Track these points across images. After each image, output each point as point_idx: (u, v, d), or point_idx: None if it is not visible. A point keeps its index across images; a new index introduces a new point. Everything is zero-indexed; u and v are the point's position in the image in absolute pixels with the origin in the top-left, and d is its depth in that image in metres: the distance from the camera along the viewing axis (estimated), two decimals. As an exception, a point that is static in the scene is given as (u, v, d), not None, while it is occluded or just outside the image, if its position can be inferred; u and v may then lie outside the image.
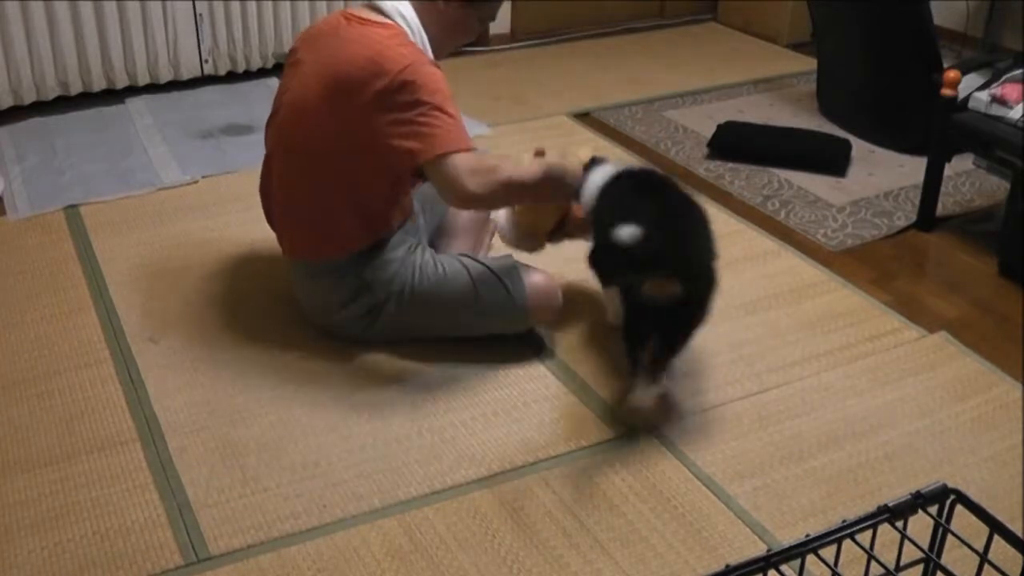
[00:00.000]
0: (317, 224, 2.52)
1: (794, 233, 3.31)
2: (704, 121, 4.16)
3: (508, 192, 2.42)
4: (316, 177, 2.48)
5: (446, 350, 2.62)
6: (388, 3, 2.46)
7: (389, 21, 2.44)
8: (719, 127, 3.95)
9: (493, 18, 2.61)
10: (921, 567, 1.34)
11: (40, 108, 4.09)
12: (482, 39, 5.00)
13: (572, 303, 2.79)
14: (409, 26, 2.44)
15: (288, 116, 2.52)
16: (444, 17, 2.49)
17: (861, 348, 2.70)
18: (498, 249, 2.87)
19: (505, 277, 2.56)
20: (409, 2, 2.48)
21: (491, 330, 2.62)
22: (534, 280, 2.59)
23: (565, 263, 2.95)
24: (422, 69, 2.34)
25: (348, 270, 2.52)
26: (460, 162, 2.35)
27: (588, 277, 2.88)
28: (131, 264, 3.04)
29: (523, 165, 2.46)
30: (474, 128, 4.01)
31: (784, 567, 1.18)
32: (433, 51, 2.50)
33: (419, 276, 2.55)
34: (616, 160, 2.57)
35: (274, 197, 2.63)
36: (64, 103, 4.14)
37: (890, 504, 1.24)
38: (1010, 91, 3.13)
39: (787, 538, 2.02)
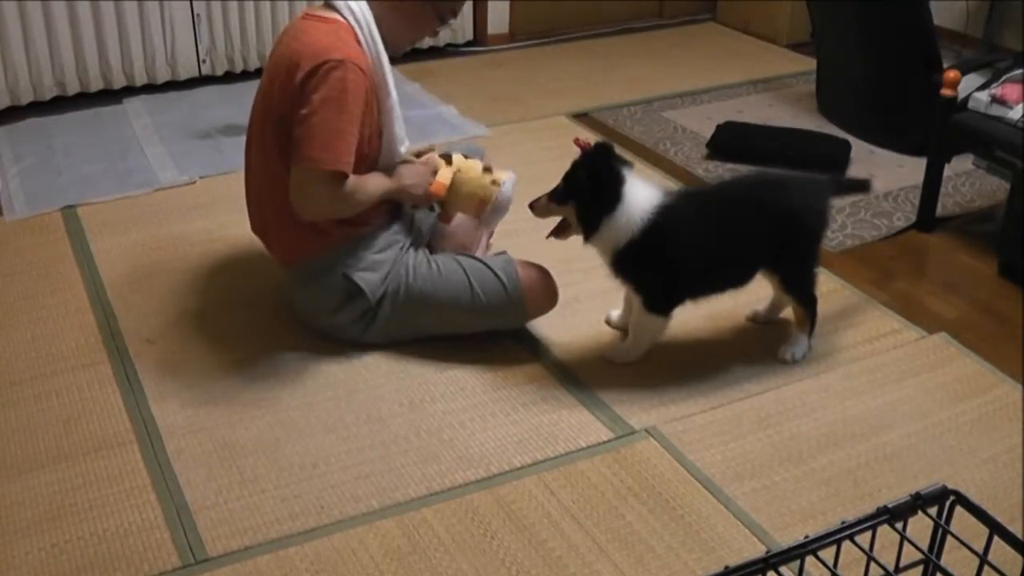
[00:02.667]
0: (289, 225, 2.52)
1: (793, 233, 3.30)
2: (703, 121, 4.16)
3: (341, 213, 2.48)
4: (270, 176, 2.49)
5: (444, 351, 2.61)
6: (341, 3, 2.45)
7: (336, 17, 2.43)
8: (718, 127, 3.95)
9: (455, 15, 2.57)
10: (921, 568, 1.34)
11: (37, 108, 4.09)
12: (481, 38, 5.00)
13: (570, 304, 2.79)
14: (358, 22, 2.43)
15: (252, 119, 2.57)
16: (401, 12, 2.47)
17: (860, 349, 2.69)
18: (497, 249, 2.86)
19: (500, 271, 2.56)
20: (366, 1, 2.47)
21: (489, 326, 2.62)
22: (530, 273, 2.59)
23: (564, 263, 2.95)
24: (335, 70, 2.31)
25: (334, 270, 2.52)
26: (304, 179, 2.37)
27: (587, 278, 2.89)
28: (129, 265, 3.03)
29: (370, 186, 2.45)
30: (473, 129, 4.01)
31: (783, 568, 1.18)
32: (390, 46, 2.50)
33: (414, 275, 2.55)
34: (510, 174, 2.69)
35: (252, 204, 2.64)
36: (62, 103, 4.14)
37: (889, 505, 1.24)
38: (1010, 91, 3.13)
39: (786, 539, 2.02)
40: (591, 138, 2.55)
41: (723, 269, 2.55)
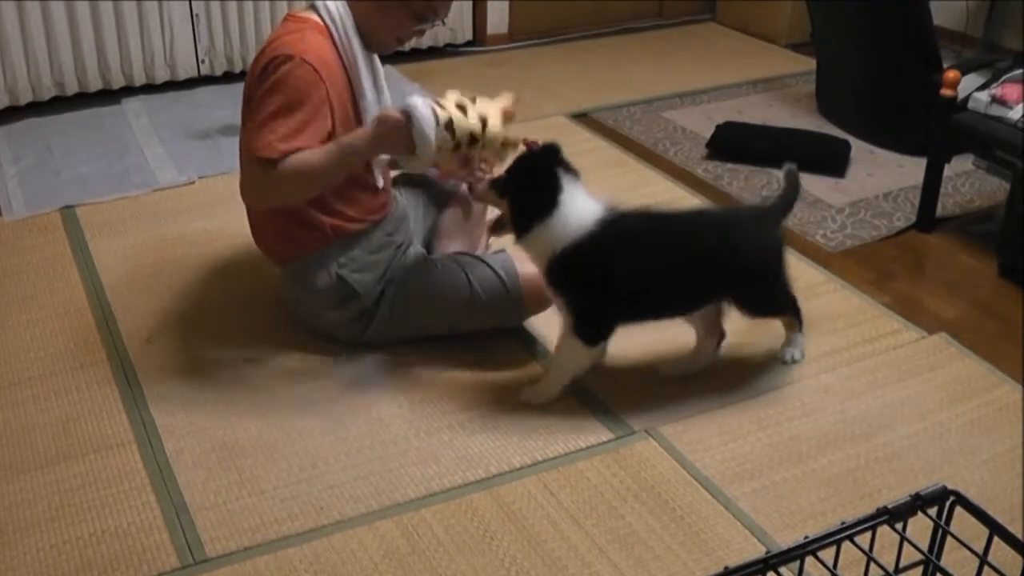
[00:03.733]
0: (273, 223, 2.54)
1: (793, 234, 3.30)
2: (703, 121, 4.15)
3: (290, 196, 2.38)
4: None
5: (444, 351, 2.61)
6: (321, 3, 2.44)
7: (313, 17, 2.43)
8: (718, 127, 3.95)
9: (435, 14, 2.48)
10: (920, 569, 1.34)
11: (36, 108, 4.08)
12: (481, 38, 5.00)
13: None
14: (332, 22, 2.42)
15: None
16: (376, 10, 2.45)
17: (860, 349, 2.69)
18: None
19: (500, 268, 2.56)
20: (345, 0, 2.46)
21: (488, 324, 2.62)
22: (529, 271, 2.58)
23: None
24: (283, 64, 2.31)
25: (327, 270, 2.51)
26: (242, 167, 2.37)
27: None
28: (127, 265, 3.03)
29: (315, 155, 2.30)
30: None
31: (783, 569, 1.18)
32: (374, 46, 2.49)
33: (411, 275, 2.55)
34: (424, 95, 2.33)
35: (249, 209, 2.64)
36: (60, 103, 4.14)
37: (889, 506, 1.24)
38: (1010, 91, 3.12)
39: (786, 540, 2.01)
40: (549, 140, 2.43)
41: (663, 297, 2.41)
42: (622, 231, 2.31)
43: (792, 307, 2.58)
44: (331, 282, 2.52)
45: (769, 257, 2.48)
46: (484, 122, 2.30)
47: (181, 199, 3.45)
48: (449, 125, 2.25)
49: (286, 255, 2.59)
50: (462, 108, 2.28)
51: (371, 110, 2.47)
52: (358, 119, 2.45)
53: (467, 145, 2.30)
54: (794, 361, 2.61)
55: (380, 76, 2.55)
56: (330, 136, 2.35)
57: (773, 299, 2.55)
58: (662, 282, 2.36)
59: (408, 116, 2.23)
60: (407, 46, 3.77)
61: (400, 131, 2.24)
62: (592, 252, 2.28)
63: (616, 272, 2.29)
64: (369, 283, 2.53)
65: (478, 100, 2.33)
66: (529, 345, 2.66)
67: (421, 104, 2.24)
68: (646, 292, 2.36)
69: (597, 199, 2.34)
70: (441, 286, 2.55)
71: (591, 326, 2.37)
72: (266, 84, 2.31)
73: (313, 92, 2.32)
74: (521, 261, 2.59)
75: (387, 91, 2.56)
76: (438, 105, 2.26)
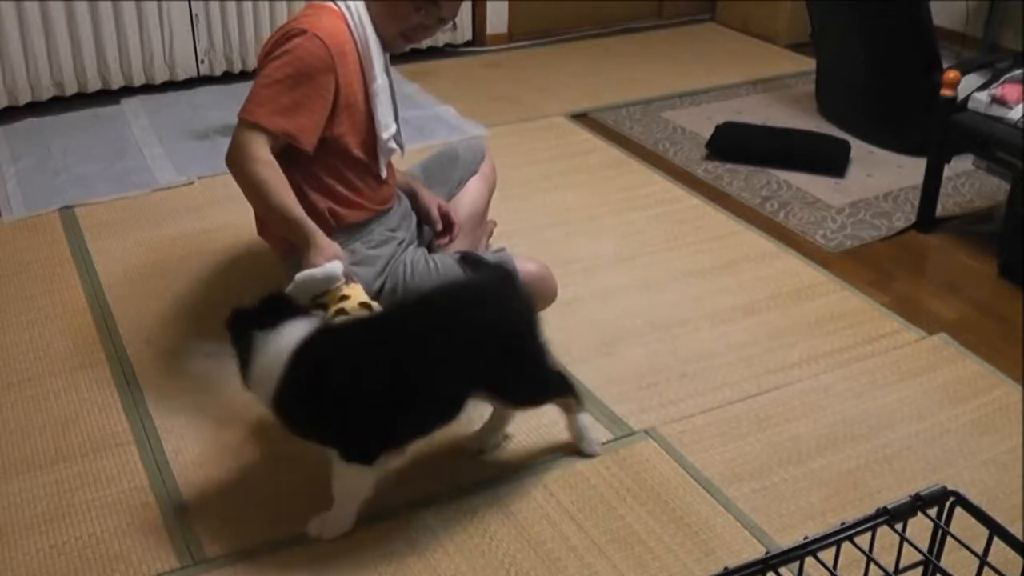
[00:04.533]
0: None
1: (793, 234, 3.30)
2: (703, 122, 4.15)
3: (248, 191, 2.35)
4: None
5: (443, 351, 2.60)
6: None
7: (330, 4, 2.43)
8: (718, 128, 3.95)
9: (440, 11, 2.45)
10: (920, 569, 1.34)
11: (35, 109, 4.08)
12: (480, 38, 5.00)
13: (569, 305, 2.78)
14: (350, 10, 2.42)
15: None
16: (382, 3, 2.47)
17: (860, 350, 2.69)
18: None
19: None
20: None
21: None
22: (528, 268, 2.58)
23: (564, 263, 2.95)
24: (297, 38, 2.31)
25: None
26: (241, 134, 2.30)
27: (587, 278, 2.88)
28: (127, 265, 3.03)
29: (286, 194, 2.30)
30: (472, 129, 4.00)
31: (783, 570, 1.17)
32: (383, 41, 2.49)
33: (411, 273, 2.55)
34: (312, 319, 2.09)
35: None
36: (59, 104, 4.13)
37: (889, 506, 1.24)
38: (1010, 91, 3.12)
39: (786, 541, 2.01)
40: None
41: (405, 408, 1.99)
42: (331, 346, 2.01)
43: (564, 386, 2.22)
44: None
45: (518, 332, 2.11)
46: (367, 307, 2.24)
47: (180, 199, 3.45)
48: (325, 306, 2.21)
49: (287, 245, 2.58)
50: (364, 306, 2.22)
51: (381, 95, 2.48)
52: (367, 102, 2.46)
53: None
54: (593, 454, 2.26)
55: (389, 65, 2.56)
56: (329, 119, 2.35)
57: (539, 381, 2.17)
58: (396, 391, 1.96)
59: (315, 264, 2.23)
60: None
61: (303, 263, 2.25)
62: (303, 376, 1.95)
63: (336, 390, 1.94)
64: (368, 277, 2.52)
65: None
66: (529, 345, 2.66)
67: (324, 272, 2.22)
68: (380, 405, 1.96)
69: (307, 322, 2.02)
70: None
71: (353, 447, 2.00)
72: (275, 53, 2.33)
73: (320, 70, 2.32)
74: (521, 259, 2.59)
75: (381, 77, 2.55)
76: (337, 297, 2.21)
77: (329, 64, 2.32)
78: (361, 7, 2.44)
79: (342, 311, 2.17)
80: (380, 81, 2.48)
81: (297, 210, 2.31)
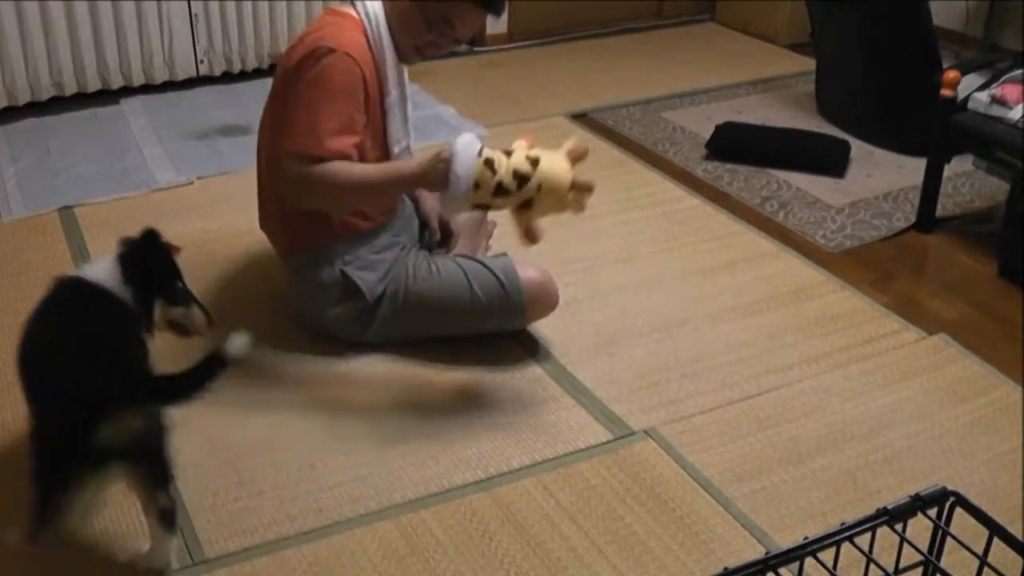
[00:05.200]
0: (285, 216, 2.54)
1: (793, 234, 3.30)
2: (702, 122, 4.15)
3: (338, 203, 2.42)
4: (274, 171, 2.49)
5: (443, 352, 2.60)
6: (360, 2, 2.45)
7: (350, 12, 2.44)
8: (717, 128, 3.95)
9: (452, 28, 2.44)
10: (920, 570, 1.33)
11: (35, 109, 4.07)
12: (479, 39, 4.99)
13: (569, 305, 2.78)
14: (369, 20, 2.43)
15: (263, 113, 2.57)
16: (396, 13, 2.46)
17: (860, 350, 2.69)
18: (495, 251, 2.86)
19: (500, 273, 2.55)
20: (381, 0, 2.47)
21: (488, 328, 2.61)
22: (530, 275, 2.58)
23: (563, 263, 2.95)
24: (328, 57, 2.32)
25: (332, 266, 2.52)
26: (291, 165, 2.31)
27: (586, 278, 2.88)
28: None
29: (364, 171, 2.32)
30: (471, 129, 4.00)
31: (783, 570, 1.17)
32: (399, 50, 2.49)
33: (413, 276, 2.55)
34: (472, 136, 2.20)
35: (262, 201, 2.64)
36: (59, 104, 4.13)
37: (889, 507, 1.23)
38: (1010, 91, 3.12)
39: (786, 541, 2.00)
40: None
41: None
42: None
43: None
44: (335, 278, 2.52)
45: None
46: (535, 162, 2.12)
47: (180, 199, 3.45)
48: (490, 163, 2.11)
49: (292, 245, 2.58)
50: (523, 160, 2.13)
51: (394, 108, 2.50)
52: (383, 115, 2.47)
53: (516, 188, 2.12)
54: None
55: (405, 77, 2.58)
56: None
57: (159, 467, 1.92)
58: None
59: (451, 151, 2.15)
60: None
61: (442, 165, 2.15)
62: None
63: None
64: (372, 281, 2.53)
65: (544, 152, 2.16)
66: (529, 346, 2.66)
67: (465, 140, 2.16)
68: None
69: None
70: (442, 289, 2.55)
71: None
72: (308, 76, 2.32)
73: (356, 86, 2.34)
74: (523, 266, 2.59)
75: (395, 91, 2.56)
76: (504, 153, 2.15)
77: (362, 82, 2.35)
78: (381, 16, 2.44)
79: (518, 175, 2.11)
80: (394, 95, 2.48)
81: (383, 175, 2.32)
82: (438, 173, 2.17)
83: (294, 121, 2.32)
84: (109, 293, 2.03)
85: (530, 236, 2.24)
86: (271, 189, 2.56)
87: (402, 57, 2.52)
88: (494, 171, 2.11)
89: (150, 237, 2.14)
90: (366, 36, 2.41)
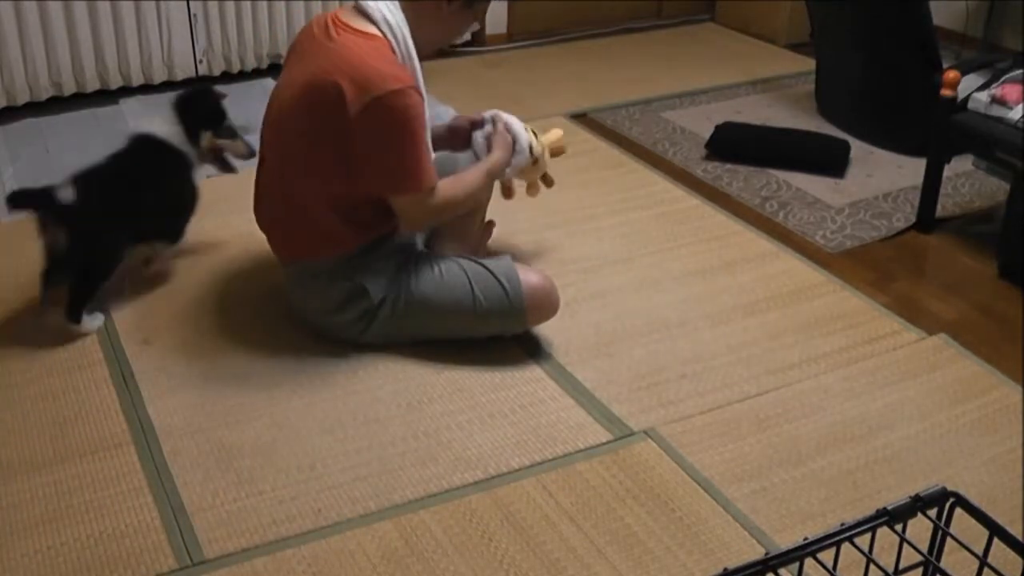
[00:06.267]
0: (303, 226, 2.53)
1: (792, 234, 3.29)
2: (702, 122, 4.15)
3: (456, 212, 2.60)
4: (299, 181, 2.49)
5: (442, 352, 2.60)
6: (373, 5, 2.43)
7: (374, 30, 2.41)
8: (717, 128, 3.94)
9: (483, 18, 2.63)
10: (920, 571, 1.33)
11: (33, 109, 4.07)
12: (479, 38, 5.00)
13: (569, 305, 2.78)
14: (393, 33, 2.42)
15: (272, 120, 2.55)
16: (440, 16, 2.47)
17: (860, 350, 2.69)
18: (495, 251, 2.86)
19: (503, 278, 2.55)
20: (399, 1, 2.46)
21: (488, 331, 2.61)
22: (532, 280, 2.58)
23: (563, 263, 2.95)
24: (399, 98, 2.32)
25: (339, 273, 2.52)
26: (412, 203, 2.46)
27: (586, 278, 2.88)
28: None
29: (466, 179, 2.58)
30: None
31: (782, 571, 1.17)
32: (420, 48, 2.49)
33: (416, 278, 2.55)
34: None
35: (264, 199, 2.63)
36: (57, 104, 4.13)
37: (889, 507, 1.23)
38: (1010, 92, 3.12)
39: (785, 541, 2.01)
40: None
41: None
42: None
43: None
44: (340, 282, 2.52)
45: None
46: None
47: (179, 199, 3.44)
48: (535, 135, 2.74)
49: (301, 257, 2.58)
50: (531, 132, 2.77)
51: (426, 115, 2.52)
52: None
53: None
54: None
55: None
56: None
57: None
58: None
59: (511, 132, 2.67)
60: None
61: (511, 147, 2.67)
62: None
63: None
64: (378, 284, 2.53)
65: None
66: (528, 346, 2.66)
67: (516, 121, 2.70)
68: None
69: None
70: (444, 293, 2.54)
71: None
72: (392, 121, 2.34)
73: (423, 112, 2.41)
74: (524, 271, 2.59)
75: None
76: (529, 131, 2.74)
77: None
78: (404, 25, 2.44)
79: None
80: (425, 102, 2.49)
81: (477, 180, 2.59)
82: (509, 152, 2.67)
83: (403, 169, 2.39)
84: (164, 143, 2.77)
85: (533, 190, 2.88)
86: (292, 204, 2.53)
87: (420, 52, 2.52)
88: (531, 149, 2.73)
89: (201, 88, 2.89)
90: (393, 52, 2.41)
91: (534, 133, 2.77)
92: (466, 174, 2.59)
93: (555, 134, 2.89)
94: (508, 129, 2.69)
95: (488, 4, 2.59)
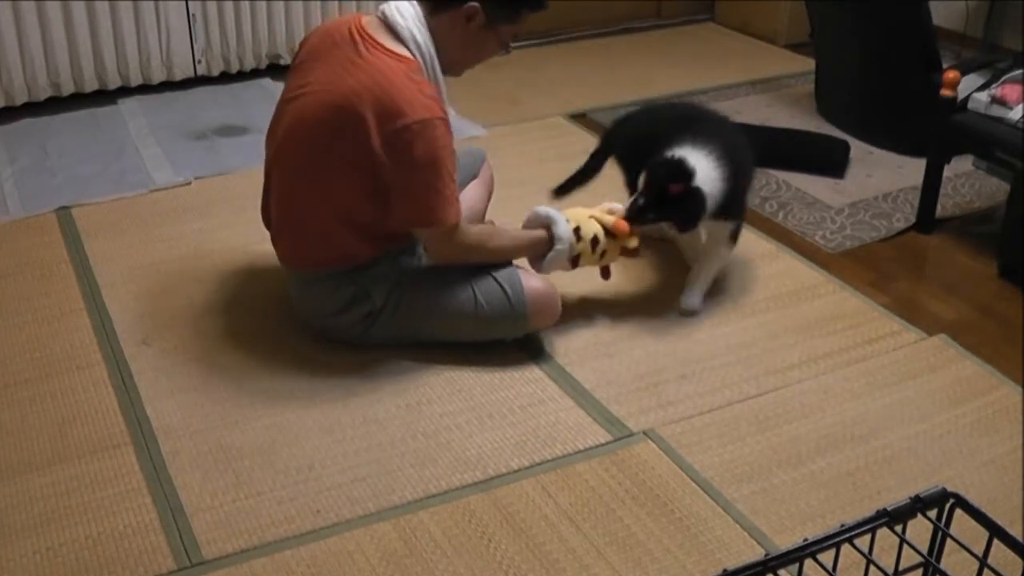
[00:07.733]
0: (316, 239, 2.52)
1: (792, 235, 3.29)
2: (701, 122, 4.14)
3: (478, 260, 2.57)
4: (315, 197, 2.48)
5: (442, 353, 2.60)
6: (402, 23, 2.40)
7: (404, 52, 2.39)
8: (717, 128, 3.93)
9: (512, 38, 2.58)
10: (920, 571, 1.33)
11: (32, 109, 4.07)
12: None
13: (570, 308, 2.78)
14: (422, 54, 2.41)
15: (290, 130, 2.49)
16: (465, 35, 2.45)
17: (860, 351, 2.68)
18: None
19: (505, 283, 2.54)
20: (428, 18, 2.43)
21: (490, 335, 2.60)
22: (534, 285, 2.57)
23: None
24: (429, 128, 2.32)
25: (344, 277, 2.51)
26: (434, 237, 2.48)
27: (586, 280, 2.88)
28: (124, 266, 3.02)
29: (504, 236, 2.63)
30: (470, 130, 4.00)
31: (782, 572, 1.17)
32: (447, 68, 2.49)
33: (419, 282, 2.54)
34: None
35: (273, 206, 2.62)
36: (56, 104, 4.12)
37: (889, 508, 1.23)
38: (1010, 92, 3.12)
39: (785, 543, 2.00)
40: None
41: None
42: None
43: None
44: (345, 286, 2.51)
45: None
46: (603, 228, 2.66)
47: (178, 200, 3.44)
48: (577, 230, 2.62)
49: (310, 265, 2.57)
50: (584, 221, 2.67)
51: None
52: None
53: (592, 248, 2.65)
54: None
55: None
56: None
57: None
58: None
59: (550, 231, 2.60)
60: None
61: (546, 243, 2.61)
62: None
63: None
64: (382, 288, 2.53)
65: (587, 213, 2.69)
66: (528, 347, 2.65)
67: (561, 220, 2.62)
68: None
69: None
70: (446, 297, 2.54)
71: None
72: (418, 152, 2.33)
73: (451, 143, 2.40)
74: (526, 275, 2.58)
75: None
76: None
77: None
78: (431, 45, 2.43)
79: (596, 239, 2.65)
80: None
81: (521, 242, 2.63)
82: (543, 244, 2.62)
83: (416, 201, 2.40)
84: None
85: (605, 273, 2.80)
86: (313, 214, 2.51)
87: (447, 71, 2.52)
88: (579, 237, 2.63)
89: None
90: (423, 75, 2.40)
91: (604, 227, 2.64)
92: (508, 232, 2.64)
93: (632, 242, 2.69)
94: (549, 219, 2.62)
95: (515, 28, 2.51)
